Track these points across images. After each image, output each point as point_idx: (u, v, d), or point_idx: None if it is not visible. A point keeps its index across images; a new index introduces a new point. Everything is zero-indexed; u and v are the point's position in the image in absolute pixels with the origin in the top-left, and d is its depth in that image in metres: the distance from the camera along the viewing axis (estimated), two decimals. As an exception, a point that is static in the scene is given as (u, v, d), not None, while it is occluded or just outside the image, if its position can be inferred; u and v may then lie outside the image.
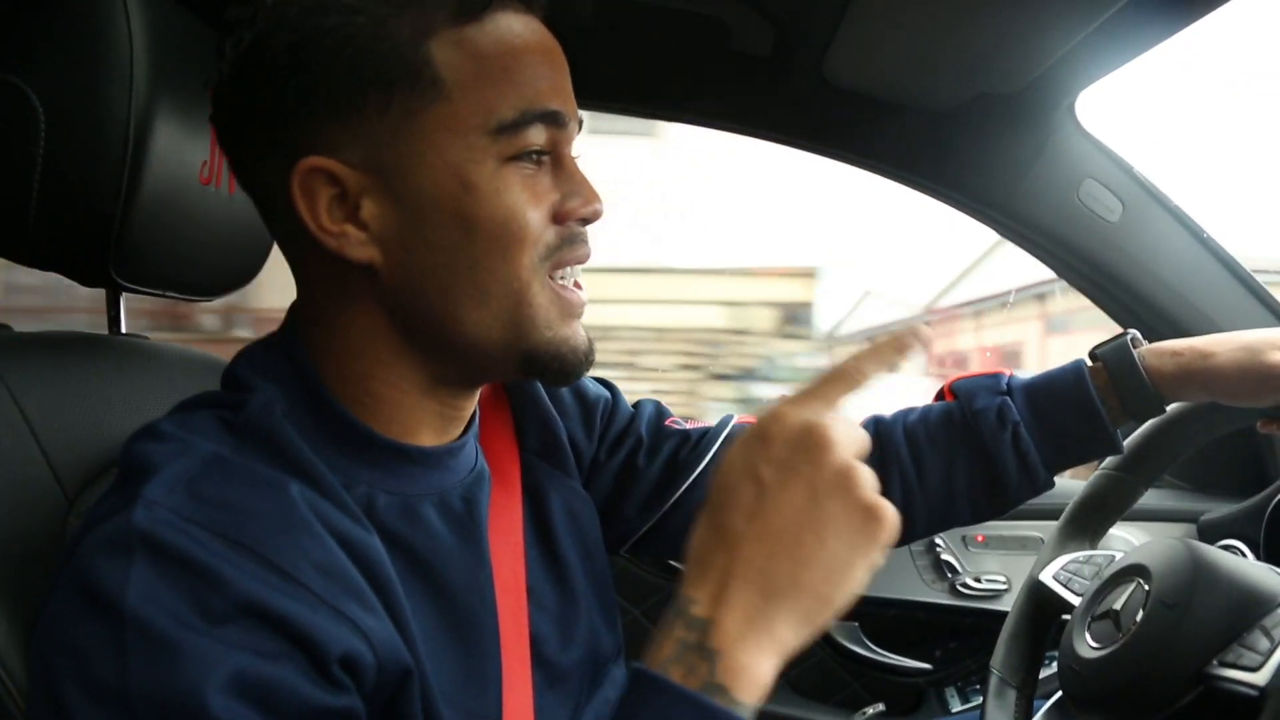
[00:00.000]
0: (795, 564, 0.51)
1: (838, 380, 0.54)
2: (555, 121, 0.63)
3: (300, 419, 0.63)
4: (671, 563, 1.53)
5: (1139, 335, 0.89)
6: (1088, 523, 1.03)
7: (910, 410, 0.93)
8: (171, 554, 0.51)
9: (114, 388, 0.80)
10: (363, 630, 0.55)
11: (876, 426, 0.92)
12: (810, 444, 0.51)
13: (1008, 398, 0.88)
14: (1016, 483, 0.88)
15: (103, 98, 0.75)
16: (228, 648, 0.50)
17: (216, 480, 0.55)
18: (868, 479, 0.52)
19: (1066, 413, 0.88)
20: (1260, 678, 0.70)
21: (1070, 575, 0.98)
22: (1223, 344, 0.84)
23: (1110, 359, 0.87)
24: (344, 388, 0.65)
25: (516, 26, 0.62)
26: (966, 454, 0.89)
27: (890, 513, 0.52)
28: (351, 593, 0.56)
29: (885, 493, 0.86)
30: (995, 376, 0.91)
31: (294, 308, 0.69)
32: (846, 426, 0.53)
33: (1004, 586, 1.51)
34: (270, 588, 0.52)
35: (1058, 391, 0.88)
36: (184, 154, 0.82)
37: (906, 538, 0.95)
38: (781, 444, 0.52)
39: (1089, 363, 0.89)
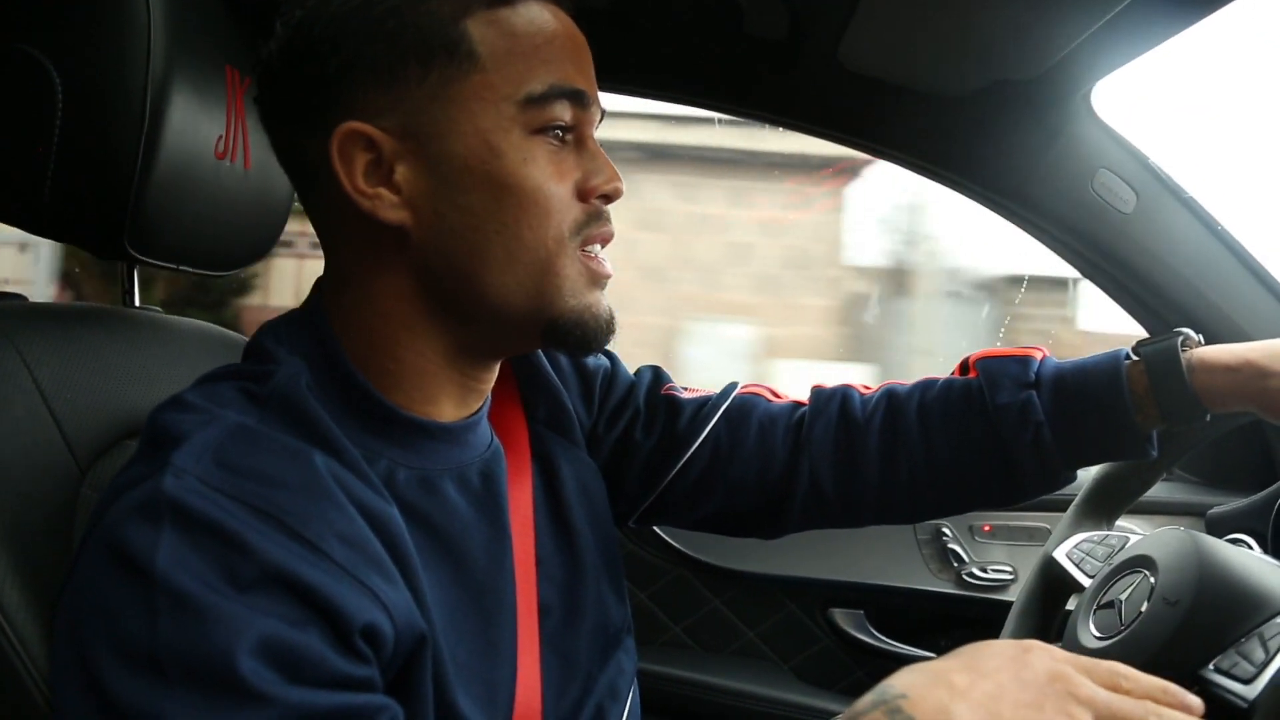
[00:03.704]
0: None
1: None
2: (580, 101, 0.66)
3: (324, 392, 0.64)
4: (676, 545, 1.53)
5: (1190, 335, 0.82)
6: (1104, 503, 1.02)
7: (929, 385, 0.88)
8: (201, 521, 0.52)
9: (127, 360, 0.81)
10: (383, 602, 0.56)
11: (889, 401, 0.88)
12: None
13: (1034, 392, 0.83)
14: (1033, 480, 0.85)
15: (120, 71, 0.75)
16: (255, 613, 0.51)
17: (243, 450, 0.57)
18: None
19: (1096, 415, 0.82)
20: (1250, 691, 0.70)
21: (1083, 555, 0.97)
22: None
23: (1154, 361, 0.81)
24: (370, 356, 0.66)
25: (546, 14, 0.67)
26: (982, 446, 0.84)
27: None
28: (373, 564, 0.57)
29: (892, 473, 0.86)
30: (1024, 362, 0.85)
31: (319, 282, 0.70)
32: None
33: (1010, 577, 1.51)
34: (296, 557, 0.53)
35: (1090, 390, 0.82)
36: (200, 128, 0.82)
37: (913, 518, 0.95)
38: None
39: (1131, 356, 0.82)
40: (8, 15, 0.76)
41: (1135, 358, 0.82)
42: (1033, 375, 0.84)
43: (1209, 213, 1.32)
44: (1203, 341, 0.83)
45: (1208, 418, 0.81)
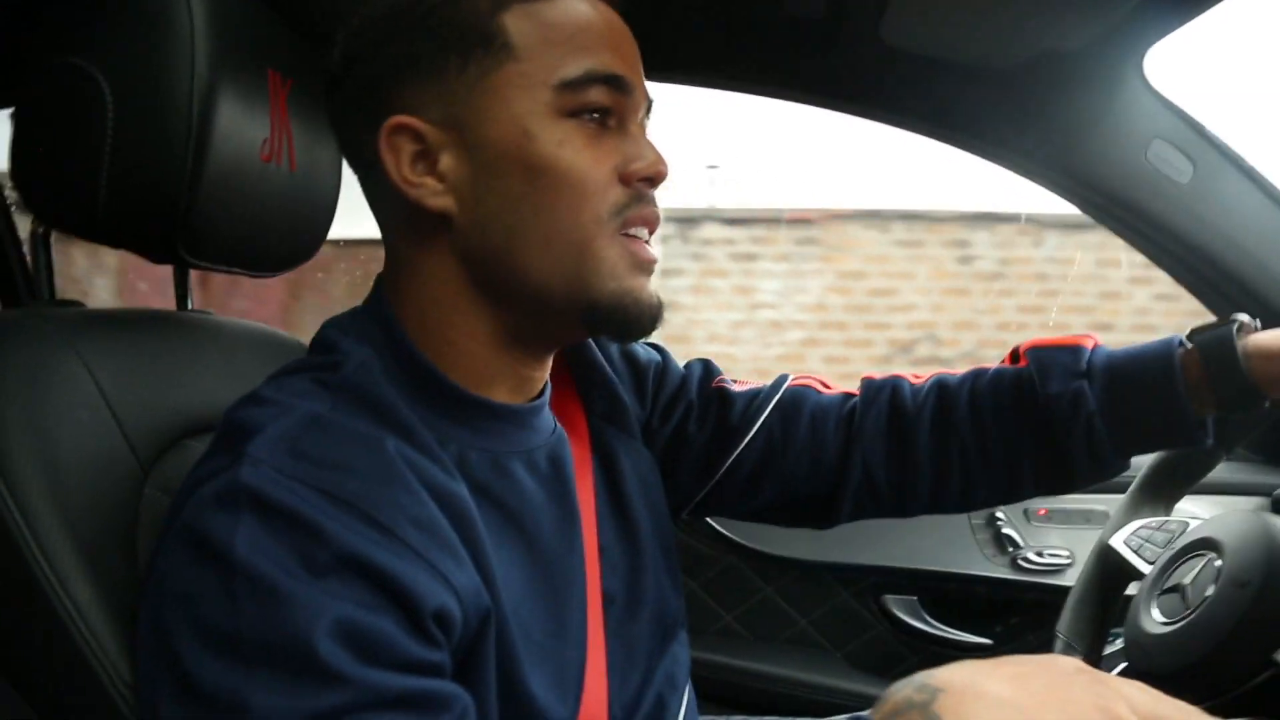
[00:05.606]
0: None
1: None
2: (618, 86, 0.67)
3: (393, 378, 0.66)
4: (728, 534, 1.53)
5: (1245, 321, 0.80)
6: (1162, 488, 1.00)
7: (979, 374, 0.88)
8: (277, 508, 0.54)
9: (183, 362, 0.82)
10: (453, 585, 0.58)
11: (939, 391, 0.88)
12: None
13: (1085, 381, 0.82)
14: (1085, 470, 0.84)
15: (166, 78, 0.76)
16: (331, 597, 0.53)
17: (316, 438, 0.58)
18: None
19: (1149, 405, 0.81)
20: None
21: (1142, 542, 0.96)
22: None
23: (1208, 349, 0.79)
24: (427, 340, 0.68)
25: (582, 5, 0.68)
26: (1033, 437, 0.84)
27: None
28: (444, 547, 0.59)
29: (944, 463, 0.85)
30: (1075, 351, 0.83)
31: (380, 277, 0.73)
32: None
33: (1067, 561, 1.48)
34: (370, 542, 0.54)
35: (1142, 379, 0.81)
36: (245, 132, 0.83)
37: (965, 508, 0.93)
38: None
39: (1185, 344, 0.81)
40: (58, 31, 0.78)
41: (1189, 345, 0.81)
42: (1084, 365, 0.83)
43: (1270, 181, 1.27)
44: (1259, 326, 0.81)
45: (1267, 404, 0.79)
